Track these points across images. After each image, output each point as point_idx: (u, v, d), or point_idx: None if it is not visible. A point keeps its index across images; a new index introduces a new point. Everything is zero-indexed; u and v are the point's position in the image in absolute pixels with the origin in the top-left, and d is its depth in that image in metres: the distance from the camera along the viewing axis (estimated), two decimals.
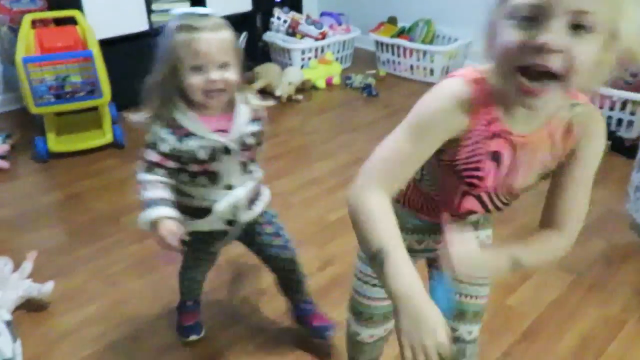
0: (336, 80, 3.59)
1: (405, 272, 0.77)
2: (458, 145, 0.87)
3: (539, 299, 1.80)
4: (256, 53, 3.75)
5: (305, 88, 3.39)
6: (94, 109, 2.71)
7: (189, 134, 1.21)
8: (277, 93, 3.23)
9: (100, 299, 1.75)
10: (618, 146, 2.69)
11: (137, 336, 1.61)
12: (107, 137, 2.66)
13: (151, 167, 1.21)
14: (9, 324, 1.11)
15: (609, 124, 2.82)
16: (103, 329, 1.63)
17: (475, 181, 0.92)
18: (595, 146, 0.91)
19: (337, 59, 3.72)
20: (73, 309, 1.71)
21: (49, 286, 1.68)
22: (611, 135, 2.75)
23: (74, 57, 2.45)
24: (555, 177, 0.95)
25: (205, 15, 1.18)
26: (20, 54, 2.35)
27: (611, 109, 2.77)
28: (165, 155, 1.21)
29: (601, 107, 2.79)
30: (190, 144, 1.21)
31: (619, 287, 1.87)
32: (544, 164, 0.92)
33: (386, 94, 3.42)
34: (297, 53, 3.55)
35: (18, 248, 1.92)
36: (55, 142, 2.59)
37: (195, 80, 1.16)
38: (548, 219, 0.99)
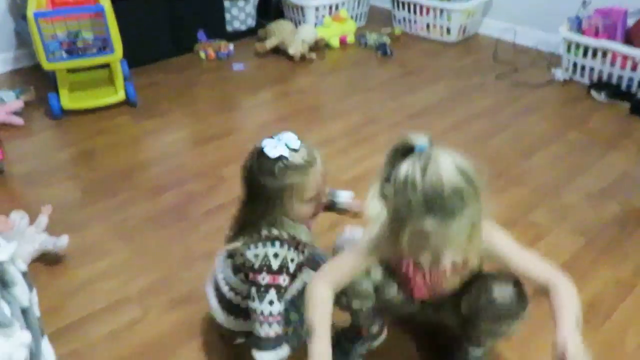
0: (350, 38, 3.52)
1: (320, 346, 1.11)
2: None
3: (550, 261, 1.79)
4: (270, 10, 3.68)
5: (319, 47, 3.33)
6: (106, 65, 2.70)
7: (305, 244, 1.27)
8: (290, 51, 3.18)
9: (115, 253, 1.78)
10: (638, 108, 2.63)
11: (151, 289, 1.64)
12: (120, 95, 2.65)
13: (280, 292, 1.22)
14: (24, 274, 1.13)
15: (629, 86, 2.74)
16: (118, 282, 1.67)
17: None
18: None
19: (351, 17, 3.64)
20: (88, 262, 1.74)
21: (64, 240, 1.71)
22: (631, 98, 2.68)
23: (85, 12, 2.43)
24: (500, 266, 1.24)
25: (297, 149, 1.20)
26: (31, 9, 2.33)
27: (633, 69, 2.69)
28: (293, 275, 1.25)
29: (623, 68, 2.72)
30: (308, 253, 1.30)
31: (632, 250, 1.86)
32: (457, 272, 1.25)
33: (401, 53, 3.35)
34: (311, 10, 3.48)
35: (33, 203, 1.95)
36: (68, 99, 2.59)
37: (308, 208, 1.23)
38: (542, 289, 1.23)
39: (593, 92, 2.82)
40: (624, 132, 2.54)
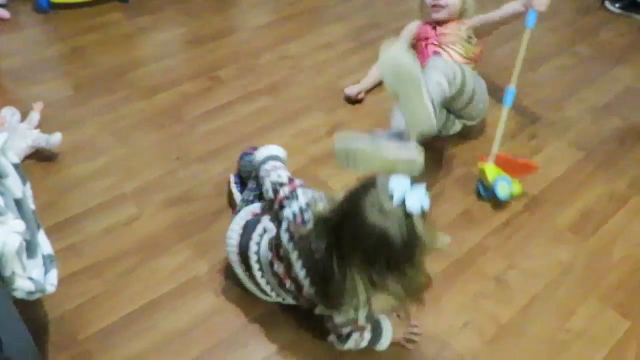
0: None
1: None
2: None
3: (546, 173, 1.79)
4: None
5: None
6: None
7: None
8: None
9: (109, 152, 1.76)
10: None
11: (147, 189, 1.64)
12: None
13: None
14: (17, 167, 1.12)
15: None
16: (113, 181, 1.66)
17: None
18: None
19: None
20: (82, 161, 1.73)
21: (57, 137, 1.68)
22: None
23: None
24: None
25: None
26: None
27: None
28: None
29: None
30: None
31: (629, 165, 1.85)
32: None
33: None
34: None
35: (24, 99, 1.90)
36: None
37: None
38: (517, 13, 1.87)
39: (607, 3, 2.69)
40: (634, 47, 2.46)
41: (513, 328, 1.36)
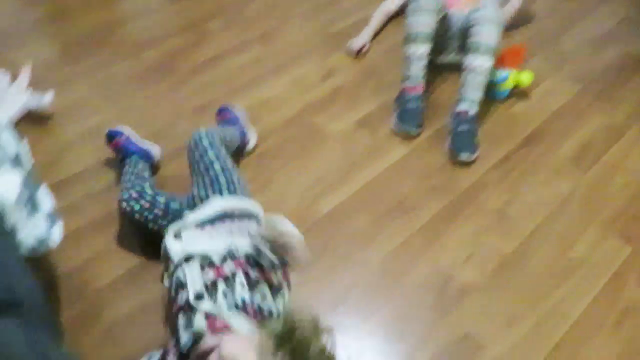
0: None
1: None
2: None
3: (544, 107, 1.78)
4: None
5: None
6: None
7: None
8: None
9: (102, 111, 1.74)
10: None
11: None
12: None
13: None
14: (10, 124, 1.10)
15: None
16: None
17: None
18: None
19: None
20: (75, 121, 1.70)
21: (48, 97, 1.66)
22: None
23: None
24: None
25: None
26: None
27: None
28: None
29: None
30: None
31: (627, 96, 1.84)
32: None
33: None
34: None
35: (11, 62, 1.85)
36: None
37: None
38: None
39: None
40: None
41: (515, 259, 1.38)
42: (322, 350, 0.92)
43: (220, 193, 1.23)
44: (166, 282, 1.08)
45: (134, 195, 1.26)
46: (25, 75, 1.74)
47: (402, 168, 1.58)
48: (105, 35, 2.05)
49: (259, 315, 0.97)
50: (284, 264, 1.04)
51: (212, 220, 1.15)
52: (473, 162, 1.59)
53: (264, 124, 1.69)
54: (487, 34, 1.58)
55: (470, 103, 1.60)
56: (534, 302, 1.29)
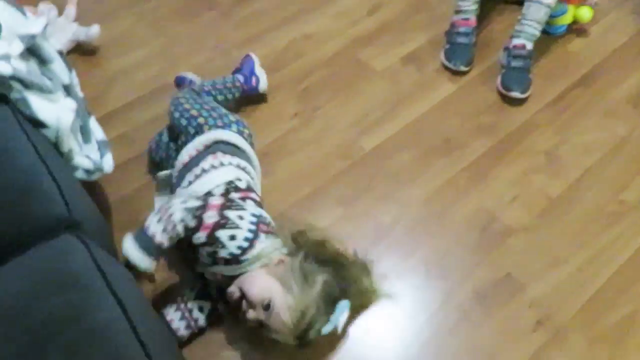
0: None
1: None
2: None
3: (604, 44, 1.68)
4: None
5: None
6: None
7: None
8: None
9: (148, 43, 1.74)
10: None
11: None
12: None
13: None
14: (61, 53, 1.12)
15: None
16: (155, 71, 1.65)
17: None
18: None
19: None
20: (123, 53, 1.72)
21: (95, 29, 1.67)
22: None
23: None
24: None
25: None
26: None
27: None
28: None
29: None
30: None
31: None
32: None
33: None
34: None
35: None
36: None
37: None
38: None
39: None
40: None
41: (563, 202, 1.35)
42: (336, 251, 1.06)
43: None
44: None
45: (152, 146, 1.37)
46: (72, 8, 1.75)
47: (449, 105, 1.54)
48: None
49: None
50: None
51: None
52: (525, 100, 1.53)
53: (308, 58, 1.66)
54: None
55: (527, 37, 1.52)
56: (579, 245, 1.27)
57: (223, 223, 1.02)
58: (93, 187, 1.30)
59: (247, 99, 1.56)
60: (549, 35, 1.68)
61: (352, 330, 1.13)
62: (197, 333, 1.11)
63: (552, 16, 1.61)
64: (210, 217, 1.02)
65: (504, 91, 1.52)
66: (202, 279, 1.14)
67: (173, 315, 1.08)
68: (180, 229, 1.01)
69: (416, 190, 1.37)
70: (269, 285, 1.01)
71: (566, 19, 1.65)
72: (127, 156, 1.43)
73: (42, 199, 0.79)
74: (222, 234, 1.02)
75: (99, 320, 0.65)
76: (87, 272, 0.68)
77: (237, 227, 1.03)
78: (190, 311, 1.09)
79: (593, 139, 1.46)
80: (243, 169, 1.20)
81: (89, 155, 1.07)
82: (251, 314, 1.01)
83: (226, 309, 1.11)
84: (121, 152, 1.42)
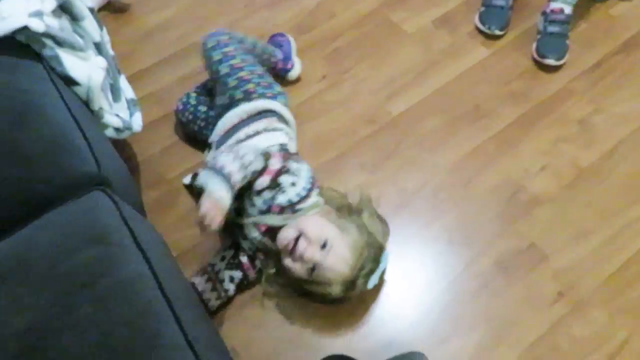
0: None
1: None
2: None
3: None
4: None
5: None
6: None
7: None
8: None
9: (177, 2, 1.73)
10: None
11: None
12: None
13: None
14: (92, 10, 1.13)
15: None
16: (183, 30, 1.65)
17: None
18: None
19: None
20: (153, 10, 1.71)
21: None
22: None
23: None
24: None
25: None
26: None
27: None
28: None
29: None
30: None
31: None
32: None
33: None
34: None
35: None
36: None
37: None
38: None
39: None
40: None
41: (593, 172, 1.32)
42: (373, 212, 1.13)
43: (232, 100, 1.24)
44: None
45: (180, 107, 1.36)
46: None
47: (481, 71, 1.50)
48: None
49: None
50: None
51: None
52: (560, 67, 1.48)
53: (338, 19, 1.63)
54: None
55: (565, 0, 1.46)
56: (606, 218, 1.25)
57: (286, 170, 1.09)
58: (122, 146, 1.33)
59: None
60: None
61: (372, 293, 1.15)
62: (225, 302, 1.14)
63: None
64: (275, 164, 1.09)
65: (538, 58, 1.47)
66: (232, 249, 1.17)
67: (204, 286, 1.11)
68: (252, 168, 1.05)
69: (442, 158, 1.36)
70: (327, 225, 1.07)
71: None
72: (156, 115, 1.45)
73: (74, 155, 0.81)
74: (285, 180, 1.08)
75: (126, 274, 0.67)
76: (116, 228, 0.71)
77: (297, 176, 1.10)
78: (222, 282, 1.12)
79: (630, 109, 1.41)
80: (291, 138, 1.25)
81: (119, 114, 1.08)
82: (308, 252, 1.03)
83: (265, 264, 1.14)
84: (150, 111, 1.44)
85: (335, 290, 1.06)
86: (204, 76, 1.53)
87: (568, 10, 1.46)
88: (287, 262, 1.06)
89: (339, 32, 1.60)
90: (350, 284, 1.06)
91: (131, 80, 1.47)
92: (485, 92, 1.46)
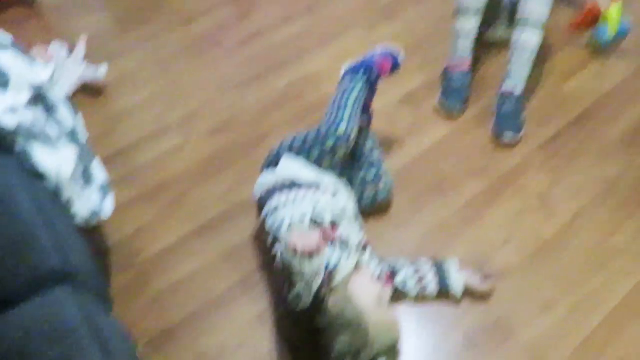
0: None
1: None
2: None
3: (596, 86, 1.71)
4: None
5: None
6: None
7: None
8: None
9: (153, 83, 1.80)
10: None
11: (190, 118, 1.68)
12: None
13: None
14: (67, 98, 1.17)
15: None
16: (158, 111, 1.71)
17: None
18: None
19: None
20: (129, 92, 1.78)
21: (103, 69, 1.73)
22: None
23: None
24: None
25: None
26: None
27: None
28: None
29: None
30: None
31: None
32: None
33: None
34: None
35: (68, 33, 1.94)
36: None
37: None
38: None
39: None
40: None
41: (554, 244, 1.36)
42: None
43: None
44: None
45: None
46: (81, 48, 1.82)
47: (444, 147, 1.57)
48: (157, 6, 2.10)
49: None
50: None
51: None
52: (518, 142, 1.56)
53: (307, 99, 1.71)
54: (536, 8, 1.51)
55: (516, 81, 1.56)
56: (570, 289, 1.29)
57: None
58: (93, 229, 1.34)
59: (257, 134, 1.60)
60: (546, 74, 1.71)
61: None
62: None
63: (619, 35, 1.72)
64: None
65: (496, 135, 1.55)
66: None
67: None
68: None
69: (410, 232, 1.39)
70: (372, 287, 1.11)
71: (610, 34, 1.72)
72: (129, 196, 1.47)
73: (38, 252, 0.83)
74: None
75: None
76: (76, 328, 0.71)
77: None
78: None
79: (585, 181, 1.48)
80: None
81: (89, 200, 1.11)
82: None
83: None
84: (122, 192, 1.47)
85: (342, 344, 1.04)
86: (181, 157, 1.58)
87: (519, 90, 1.56)
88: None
89: (309, 110, 1.67)
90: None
91: (106, 161, 1.51)
92: (449, 168, 1.52)
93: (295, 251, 1.00)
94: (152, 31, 1.99)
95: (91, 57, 1.83)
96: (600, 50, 1.80)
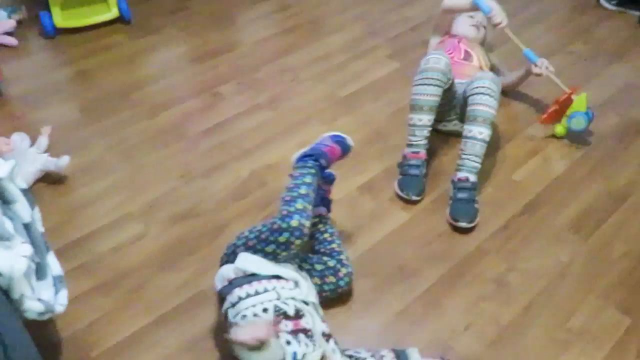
0: None
1: None
2: None
3: (545, 174, 1.81)
4: None
5: None
6: None
7: None
8: None
9: (115, 172, 1.81)
10: None
11: (152, 206, 1.69)
12: (113, 12, 2.58)
13: None
14: (25, 191, 1.16)
15: None
16: (120, 200, 1.71)
17: None
18: None
19: None
20: (90, 181, 1.78)
21: (65, 160, 1.74)
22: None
23: None
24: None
25: None
26: None
27: None
28: None
29: None
30: None
31: (628, 161, 1.87)
32: None
33: None
34: None
35: (33, 123, 1.96)
36: (60, 17, 2.52)
37: None
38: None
39: (602, 0, 2.71)
40: (631, 43, 2.47)
41: (514, 329, 1.38)
42: None
43: None
44: None
45: None
46: (44, 138, 1.84)
47: (403, 234, 1.61)
48: (123, 97, 2.16)
49: None
50: None
51: None
52: (473, 229, 1.62)
53: (269, 188, 1.75)
54: (484, 105, 1.63)
55: (469, 170, 1.64)
56: None
57: None
58: (46, 322, 1.30)
59: (219, 223, 1.61)
60: (499, 162, 1.81)
61: None
62: None
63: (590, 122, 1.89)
64: None
65: (452, 221, 1.60)
66: None
67: None
68: None
69: (371, 320, 1.39)
70: None
71: (580, 122, 1.88)
72: (84, 287, 1.44)
73: None
74: None
75: None
76: None
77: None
78: None
79: (539, 266, 1.53)
80: None
81: (43, 294, 1.08)
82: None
83: None
84: (78, 283, 1.44)
85: None
86: (141, 246, 1.56)
87: (473, 178, 1.64)
88: None
89: (271, 199, 1.70)
90: None
91: (63, 251, 1.49)
92: (408, 254, 1.55)
93: (242, 343, 0.98)
94: (117, 122, 2.03)
95: (55, 147, 1.84)
96: (573, 135, 1.95)
